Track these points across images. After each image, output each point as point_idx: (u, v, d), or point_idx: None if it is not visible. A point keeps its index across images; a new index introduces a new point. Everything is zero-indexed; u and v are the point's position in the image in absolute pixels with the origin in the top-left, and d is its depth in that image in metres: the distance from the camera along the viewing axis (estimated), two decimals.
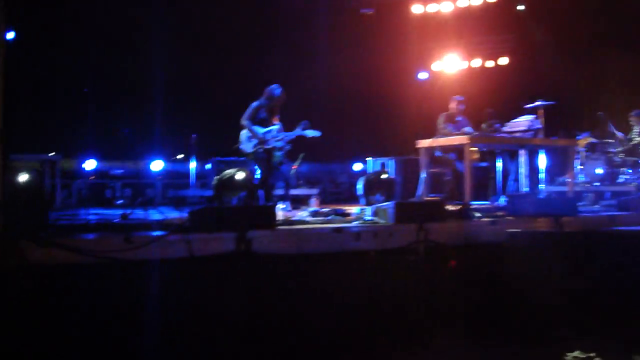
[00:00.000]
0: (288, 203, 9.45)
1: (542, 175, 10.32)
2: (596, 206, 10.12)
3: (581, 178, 12.03)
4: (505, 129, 9.65)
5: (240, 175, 8.57)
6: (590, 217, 7.74)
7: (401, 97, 15.62)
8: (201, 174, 12.82)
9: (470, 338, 5.63)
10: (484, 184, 10.60)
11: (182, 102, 13.17)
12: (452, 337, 5.61)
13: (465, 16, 16.19)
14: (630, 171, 11.65)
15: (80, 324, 4.54)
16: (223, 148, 10.70)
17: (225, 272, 5.15)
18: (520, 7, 16.20)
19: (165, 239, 5.11)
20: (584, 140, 12.25)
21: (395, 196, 10.16)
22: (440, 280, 5.91)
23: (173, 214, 7.04)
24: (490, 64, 16.84)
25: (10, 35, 12.08)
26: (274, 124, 8.87)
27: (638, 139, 11.82)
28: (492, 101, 12.10)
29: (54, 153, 10.42)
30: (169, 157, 13.76)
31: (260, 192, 8.59)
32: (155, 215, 6.90)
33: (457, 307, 5.82)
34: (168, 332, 4.82)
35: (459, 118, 10.14)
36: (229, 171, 8.70)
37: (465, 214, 7.05)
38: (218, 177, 8.94)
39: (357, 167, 15.19)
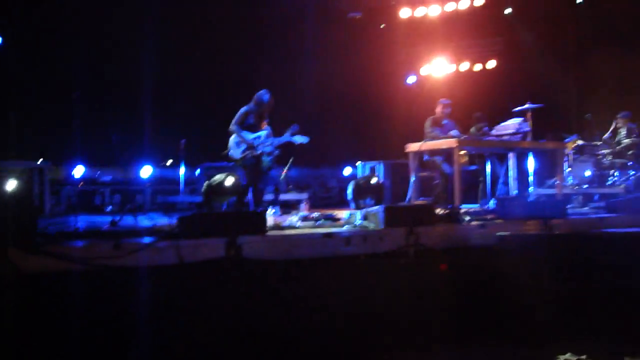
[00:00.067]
0: (277, 208, 9.45)
1: (531, 178, 10.36)
2: (585, 208, 10.17)
3: (570, 180, 12.08)
4: (494, 132, 9.68)
5: (229, 181, 8.55)
6: (579, 220, 7.77)
7: (390, 101, 15.67)
8: (190, 180, 12.80)
9: (462, 341, 5.64)
10: (473, 187, 10.62)
11: (171, 108, 13.15)
12: (444, 340, 5.61)
13: (452, 20, 16.26)
14: (618, 173, 11.71)
15: (71, 331, 4.51)
16: (212, 153, 10.67)
17: (216, 278, 5.13)
18: (508, 11, 16.28)
19: (155, 245, 5.09)
20: (572, 142, 12.31)
21: (385, 200, 10.18)
22: (431, 283, 5.92)
23: (162, 220, 7.02)
24: (478, 67, 16.93)
25: None
26: (262, 130, 8.85)
27: (626, 140, 11.88)
28: (481, 104, 12.14)
29: (42, 160, 10.36)
30: (158, 163, 13.73)
31: (250, 198, 8.57)
32: (144, 221, 6.88)
33: (449, 310, 5.83)
34: (159, 338, 4.80)
35: (445, 121, 10.17)
36: (218, 177, 8.67)
37: (455, 217, 7.06)
38: (207, 182, 8.91)
39: (347, 171, 15.21)
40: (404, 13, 16.47)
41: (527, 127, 9.59)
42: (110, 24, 12.56)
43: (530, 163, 10.35)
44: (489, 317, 5.84)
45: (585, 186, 11.88)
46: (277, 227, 6.85)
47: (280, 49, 14.54)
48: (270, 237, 5.74)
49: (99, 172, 13.10)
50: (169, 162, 13.76)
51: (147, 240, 5.27)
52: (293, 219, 7.76)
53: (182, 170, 11.77)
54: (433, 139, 9.69)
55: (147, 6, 12.65)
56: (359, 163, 12.71)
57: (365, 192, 9.34)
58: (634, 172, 11.46)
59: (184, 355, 4.90)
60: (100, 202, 12.50)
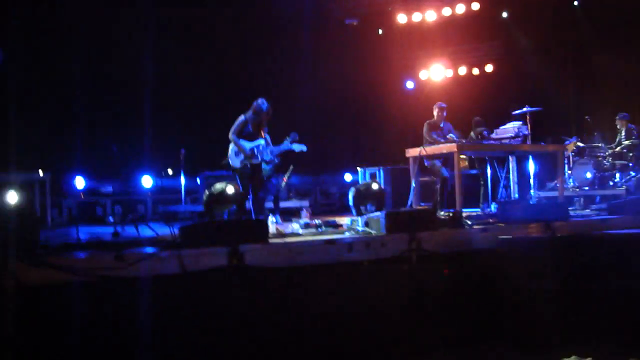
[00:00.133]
0: (278, 216, 9.45)
1: (531, 181, 10.36)
2: (586, 210, 10.16)
3: (570, 183, 12.09)
4: (494, 136, 9.69)
5: (230, 190, 8.55)
6: (581, 222, 7.76)
7: (389, 107, 15.69)
8: (191, 189, 12.80)
9: (466, 345, 5.63)
10: (474, 191, 10.63)
11: (170, 117, 13.16)
12: (447, 345, 5.61)
13: (449, 25, 16.30)
14: (619, 175, 11.72)
15: (74, 343, 4.51)
16: (212, 162, 10.68)
17: (219, 287, 5.13)
18: (504, 15, 16.32)
19: (157, 255, 5.08)
20: (572, 144, 12.32)
21: (386, 206, 10.18)
22: (433, 288, 5.92)
23: (164, 230, 7.02)
24: (476, 71, 16.95)
25: None
26: (261, 138, 8.86)
27: (625, 142, 11.89)
28: (480, 108, 12.16)
29: (43, 172, 10.37)
30: (158, 172, 13.74)
31: (251, 206, 8.58)
32: (146, 231, 6.87)
33: (452, 315, 5.83)
34: (163, 348, 4.79)
35: (443, 124, 10.16)
36: (219, 185, 8.67)
37: (456, 222, 7.06)
38: (208, 191, 8.92)
39: (348, 177, 15.21)
40: (401, 19, 16.51)
41: (526, 131, 9.60)
42: (109, 36, 12.59)
43: (531, 166, 10.35)
44: (492, 321, 5.84)
45: (586, 188, 11.89)
46: (279, 234, 6.86)
47: (278, 57, 14.57)
48: (272, 245, 5.74)
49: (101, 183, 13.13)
50: (170, 171, 13.76)
51: (149, 250, 5.27)
52: (295, 226, 7.76)
53: (182, 179, 11.77)
54: (432, 143, 9.70)
55: (146, 18, 12.68)
56: (359, 169, 12.71)
57: (366, 198, 9.33)
58: (634, 174, 11.47)
59: None
60: (102, 213, 12.51)
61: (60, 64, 12.38)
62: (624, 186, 11.28)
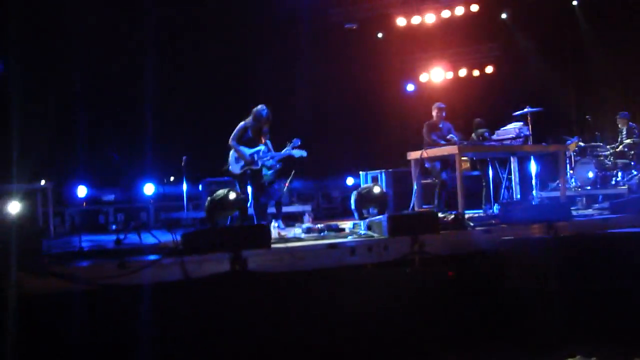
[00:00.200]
0: (280, 221, 9.45)
1: (533, 182, 10.35)
2: (589, 210, 10.15)
3: (573, 182, 12.08)
4: (495, 137, 9.68)
5: (232, 196, 8.54)
6: (583, 221, 7.75)
7: (390, 110, 15.72)
8: (193, 196, 12.81)
9: (471, 347, 5.62)
10: (476, 192, 10.62)
11: (171, 124, 13.18)
12: (452, 347, 5.60)
13: (449, 27, 16.32)
14: (621, 174, 11.71)
15: (78, 352, 4.50)
16: (214, 169, 10.69)
17: (222, 293, 5.13)
18: (504, 16, 16.33)
19: (160, 262, 5.08)
20: (574, 144, 12.32)
21: (389, 209, 10.17)
22: (437, 290, 5.91)
23: (166, 237, 7.02)
24: (476, 73, 16.96)
25: None
26: (261, 144, 8.89)
27: (627, 141, 11.88)
28: (480, 110, 12.17)
29: (45, 181, 10.38)
30: (160, 180, 13.75)
31: (253, 212, 8.59)
32: (149, 239, 6.87)
33: (456, 317, 5.81)
34: (167, 355, 4.79)
35: (442, 124, 10.16)
36: (220, 192, 8.67)
37: (459, 223, 7.05)
38: (210, 198, 8.93)
39: (350, 181, 15.21)
40: (400, 22, 16.54)
41: (527, 131, 9.60)
42: (110, 44, 12.62)
43: (532, 167, 10.35)
44: (496, 323, 5.82)
45: (588, 188, 11.88)
46: (281, 239, 6.85)
47: (279, 63, 14.59)
48: (274, 250, 5.73)
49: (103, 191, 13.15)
50: (171, 178, 13.77)
51: (152, 257, 5.27)
52: (297, 230, 7.76)
53: (184, 186, 11.77)
54: (431, 145, 9.70)
55: (145, 26, 12.71)
56: (361, 173, 12.71)
57: (368, 201, 9.31)
58: (636, 172, 11.46)
59: None
60: (104, 221, 12.52)
61: (61, 72, 12.41)
62: (626, 185, 11.27)
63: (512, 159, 10.02)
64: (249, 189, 8.68)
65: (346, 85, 15.44)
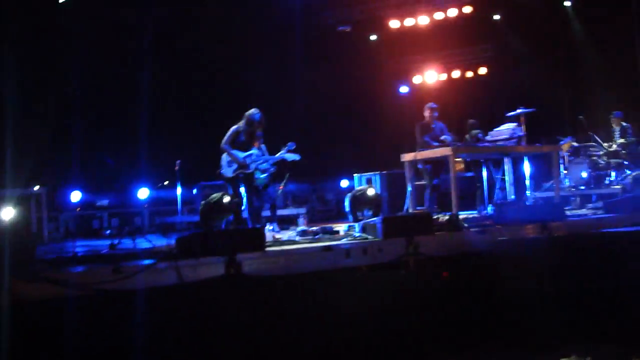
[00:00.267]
0: (275, 224, 9.44)
1: (527, 182, 10.37)
2: (583, 210, 10.17)
3: (566, 182, 12.10)
4: (488, 138, 9.70)
5: (226, 199, 8.55)
6: (577, 221, 7.78)
7: (384, 112, 15.73)
8: (188, 200, 12.79)
9: (466, 348, 5.62)
10: (470, 193, 10.63)
11: (164, 129, 13.16)
12: (448, 348, 5.60)
13: (442, 28, 16.33)
14: (615, 173, 11.73)
15: (74, 357, 4.49)
16: (208, 172, 10.68)
17: (217, 296, 5.12)
18: (496, 17, 16.37)
19: (154, 267, 5.08)
20: (567, 144, 12.34)
21: (383, 211, 10.18)
22: (432, 292, 5.91)
23: (161, 241, 7.01)
24: (469, 74, 16.99)
25: None
26: (254, 148, 8.90)
27: (620, 140, 11.91)
28: (474, 111, 12.18)
29: (38, 186, 10.35)
30: (154, 184, 13.72)
31: (247, 215, 8.58)
32: (143, 243, 6.86)
33: (452, 318, 5.82)
34: (164, 359, 4.78)
35: (434, 125, 10.13)
36: (214, 196, 8.68)
37: (453, 225, 7.06)
38: (204, 202, 8.93)
39: (344, 183, 15.21)
40: (394, 24, 16.55)
41: (521, 132, 9.62)
42: (104, 50, 12.61)
43: (526, 167, 10.36)
44: (492, 323, 5.83)
45: (582, 187, 11.90)
46: (276, 242, 6.85)
47: (272, 66, 14.59)
48: (269, 253, 5.74)
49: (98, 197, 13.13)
50: (166, 183, 13.75)
51: (146, 262, 5.27)
52: (292, 233, 7.76)
53: (178, 190, 11.77)
54: (424, 146, 9.69)
55: (141, 32, 12.71)
56: (355, 175, 12.72)
57: (362, 203, 9.33)
58: (629, 172, 11.48)
59: None
60: (99, 226, 12.50)
61: (56, 78, 12.39)
62: (619, 184, 11.29)
63: (505, 159, 10.04)
64: (243, 192, 8.68)
65: (340, 88, 15.45)
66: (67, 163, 12.47)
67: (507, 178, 10.06)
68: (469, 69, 17.04)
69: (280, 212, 10.49)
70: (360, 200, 9.36)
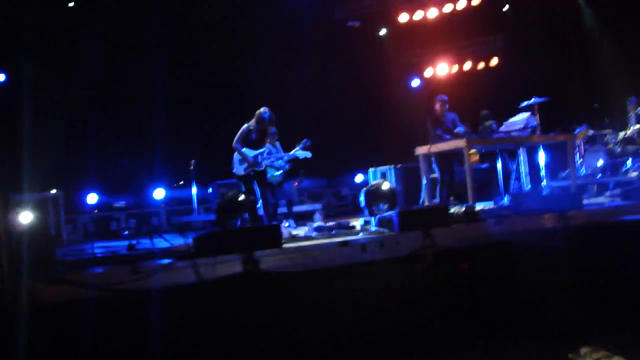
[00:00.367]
0: (292, 220, 9.48)
1: (543, 172, 10.33)
2: (600, 198, 10.11)
3: (583, 171, 12.03)
4: (502, 128, 9.66)
5: (241, 198, 8.58)
6: (595, 210, 7.73)
7: (397, 106, 15.69)
8: (203, 199, 12.85)
9: (486, 338, 5.61)
10: (486, 185, 10.60)
11: (179, 129, 13.21)
12: (468, 338, 5.59)
13: (452, 21, 16.27)
14: (631, 160, 11.65)
15: (93, 359, 4.52)
16: (223, 171, 10.73)
17: (236, 294, 5.14)
18: (506, 7, 16.27)
19: (173, 266, 5.11)
20: (582, 133, 12.26)
21: (399, 205, 10.17)
22: (450, 284, 5.90)
23: (178, 241, 7.05)
24: (481, 65, 16.91)
25: (1, 77, 12.20)
26: (268, 145, 8.95)
27: (636, 126, 11.81)
28: (487, 102, 12.12)
29: (55, 190, 10.43)
30: (170, 184, 13.79)
31: (262, 213, 8.62)
32: (161, 243, 6.90)
33: (471, 309, 5.80)
34: (184, 357, 4.81)
35: (446, 116, 10.03)
36: (229, 194, 8.72)
37: (470, 216, 7.04)
38: (219, 200, 8.98)
39: (359, 178, 15.21)
40: (403, 18, 16.50)
41: (535, 122, 9.57)
42: (117, 51, 12.67)
43: (541, 157, 10.31)
44: (510, 314, 5.81)
45: (599, 175, 11.82)
46: (292, 239, 6.87)
47: (284, 64, 14.60)
48: (286, 250, 5.75)
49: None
50: (181, 182, 13.82)
51: (164, 261, 5.30)
52: (308, 229, 7.78)
53: (194, 189, 11.81)
54: (434, 139, 9.64)
55: (152, 31, 12.76)
56: (370, 169, 12.71)
57: (378, 198, 9.31)
58: None
59: None
60: (116, 227, 12.58)
61: (70, 81, 12.47)
62: (636, 171, 11.21)
63: (520, 149, 9.99)
64: (258, 190, 8.72)
65: (352, 83, 15.44)
66: (83, 166, 12.56)
67: (522, 168, 10.02)
68: (480, 60, 16.95)
69: (296, 208, 10.51)
70: (375, 195, 9.35)
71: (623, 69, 14.21)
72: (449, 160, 9.88)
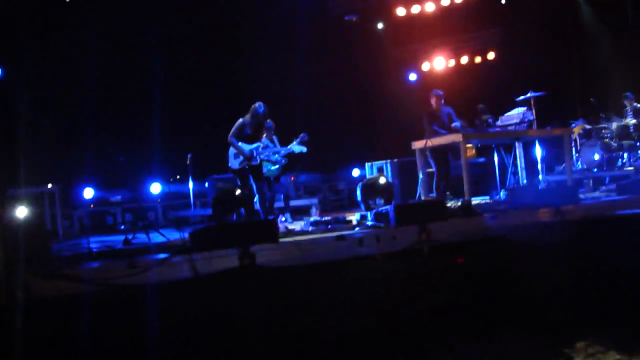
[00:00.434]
0: (288, 215, 9.48)
1: (539, 166, 10.33)
2: (596, 192, 10.13)
3: (579, 165, 12.05)
4: (499, 123, 9.66)
5: (237, 192, 8.59)
6: (591, 204, 7.75)
7: (394, 100, 15.67)
8: (200, 193, 12.83)
9: (481, 332, 5.62)
10: (482, 179, 10.60)
11: (175, 123, 13.19)
12: (462, 333, 5.60)
13: (449, 14, 16.25)
14: (627, 155, 11.67)
15: (88, 353, 4.52)
16: (219, 165, 10.72)
17: (232, 289, 5.14)
18: (503, 1, 16.25)
19: (169, 261, 5.11)
20: (578, 127, 12.28)
21: (395, 199, 10.18)
22: (446, 278, 5.90)
23: (175, 235, 7.05)
24: (478, 59, 16.90)
25: None
26: (265, 139, 8.96)
27: (632, 121, 11.83)
28: (483, 96, 12.11)
29: (51, 184, 10.41)
30: (166, 179, 13.77)
31: (259, 207, 8.63)
32: (157, 238, 6.90)
33: (466, 303, 5.81)
34: (178, 352, 4.81)
35: (442, 111, 10.00)
36: (226, 189, 8.73)
37: (466, 211, 7.05)
38: (216, 195, 8.98)
39: (356, 173, 15.21)
40: (400, 12, 16.48)
41: (531, 116, 9.57)
42: (114, 46, 12.65)
43: (538, 151, 10.32)
44: (507, 308, 5.82)
45: (595, 170, 11.84)
46: (289, 233, 6.87)
47: (281, 58, 14.58)
48: (283, 244, 5.75)
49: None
50: (177, 177, 13.80)
51: (161, 256, 5.29)
52: (304, 224, 7.78)
53: (190, 184, 11.80)
54: (430, 134, 9.63)
55: (148, 25, 12.73)
56: (367, 164, 12.71)
57: (374, 192, 9.32)
58: None
59: None
60: (113, 221, 12.56)
61: (66, 75, 12.43)
62: (632, 166, 11.23)
63: (517, 144, 10.00)
64: (253, 184, 8.72)
65: (349, 77, 15.43)
66: (79, 160, 12.53)
67: (518, 162, 10.02)
68: (477, 54, 16.94)
69: (292, 202, 10.51)
70: (371, 189, 9.36)
71: (620, 64, 14.21)
72: (445, 154, 9.87)
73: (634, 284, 5.67)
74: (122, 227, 11.90)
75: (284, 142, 9.52)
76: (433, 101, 10.08)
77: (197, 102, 13.89)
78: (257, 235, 5.62)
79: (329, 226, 7.27)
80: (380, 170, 12.09)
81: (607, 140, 11.98)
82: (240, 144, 8.68)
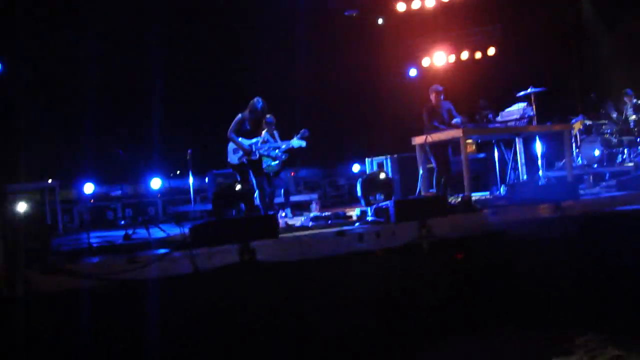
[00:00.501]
0: (289, 210, 9.48)
1: (539, 162, 10.33)
2: (596, 188, 10.13)
3: (579, 161, 12.05)
4: (499, 118, 9.65)
5: (237, 187, 8.58)
6: (591, 200, 7.73)
7: (394, 96, 15.67)
8: (200, 188, 12.83)
9: (480, 328, 5.63)
10: (482, 175, 10.60)
11: (175, 119, 13.19)
12: (461, 329, 5.61)
13: (449, 10, 16.24)
14: (627, 150, 11.67)
15: (88, 348, 4.53)
16: (219, 160, 10.72)
17: (232, 284, 5.14)
18: None
19: (169, 256, 5.10)
20: (579, 123, 12.27)
21: (395, 194, 10.18)
22: (446, 274, 5.91)
23: (175, 231, 7.05)
24: (478, 55, 16.89)
25: None
26: (265, 135, 8.95)
27: (633, 117, 11.82)
28: (484, 92, 12.13)
29: (52, 179, 10.42)
30: (166, 174, 13.77)
31: (259, 203, 8.63)
32: (157, 233, 6.89)
33: (466, 299, 5.82)
34: (179, 347, 4.81)
35: (441, 107, 9.98)
36: (226, 184, 8.73)
37: (466, 206, 7.04)
38: (216, 190, 8.98)
39: (356, 168, 15.21)
40: (400, 7, 16.48)
41: (531, 112, 9.56)
42: (113, 41, 12.63)
43: (538, 147, 10.31)
44: (506, 303, 5.83)
45: (595, 166, 11.84)
46: (289, 228, 6.87)
47: (281, 53, 14.56)
48: (283, 240, 5.75)
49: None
50: (177, 172, 13.80)
51: (161, 251, 5.29)
52: (305, 219, 7.78)
53: (190, 179, 11.80)
54: (430, 130, 9.62)
55: (149, 22, 12.71)
56: (367, 159, 12.71)
57: (374, 188, 9.32)
58: None
59: None
60: (113, 216, 12.56)
61: (66, 71, 12.43)
62: (632, 162, 11.23)
63: (517, 140, 9.99)
64: (253, 180, 8.73)
65: (349, 73, 15.41)
66: (79, 155, 12.53)
67: (518, 158, 10.02)
68: (477, 50, 16.92)
69: (292, 198, 10.51)
70: (372, 184, 9.36)
71: (620, 60, 14.20)
72: (445, 149, 9.87)
73: (634, 280, 5.67)
74: (122, 222, 11.91)
75: (285, 138, 9.52)
76: (433, 97, 10.07)
77: (197, 98, 13.88)
78: (257, 231, 5.62)
79: (329, 221, 7.27)
80: (380, 165, 12.09)
81: (608, 136, 11.98)
82: (239, 139, 8.68)
